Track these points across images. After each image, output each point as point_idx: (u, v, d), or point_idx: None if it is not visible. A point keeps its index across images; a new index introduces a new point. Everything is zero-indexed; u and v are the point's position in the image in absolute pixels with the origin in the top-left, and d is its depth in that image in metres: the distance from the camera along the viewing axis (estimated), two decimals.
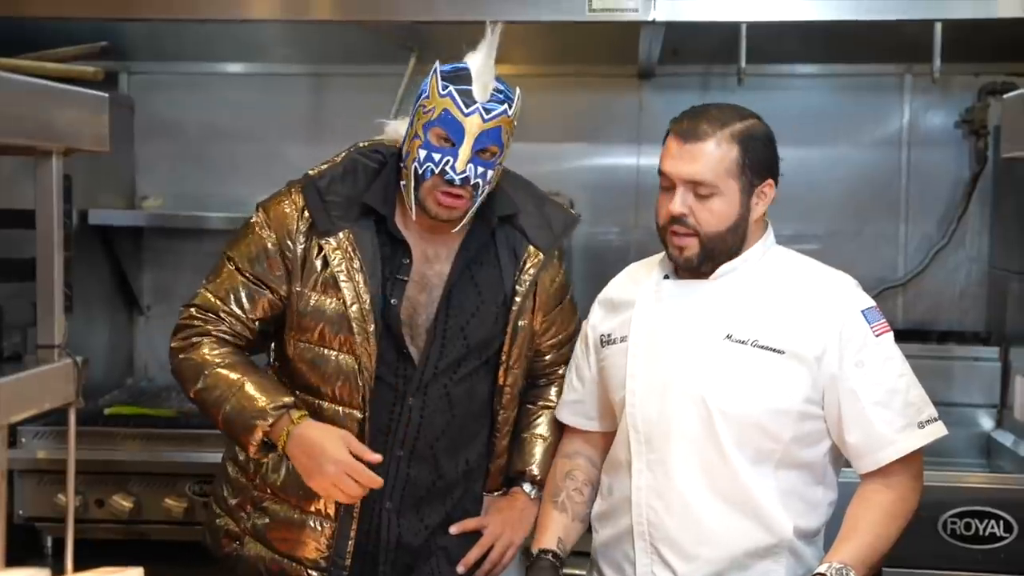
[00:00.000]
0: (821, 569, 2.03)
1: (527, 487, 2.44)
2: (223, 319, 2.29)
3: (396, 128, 2.33)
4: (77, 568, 1.69)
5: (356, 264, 2.23)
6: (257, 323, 2.31)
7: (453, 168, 2.16)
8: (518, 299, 2.33)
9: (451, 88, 2.17)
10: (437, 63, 2.22)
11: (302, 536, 2.31)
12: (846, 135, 3.75)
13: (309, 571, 2.31)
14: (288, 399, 2.23)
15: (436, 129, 2.17)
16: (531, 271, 2.33)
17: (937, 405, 2.19)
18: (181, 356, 2.30)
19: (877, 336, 2.13)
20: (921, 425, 2.12)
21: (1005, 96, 2.43)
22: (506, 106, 2.20)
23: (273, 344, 2.42)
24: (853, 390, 2.10)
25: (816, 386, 2.11)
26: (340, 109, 3.76)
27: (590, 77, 3.76)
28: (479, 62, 2.19)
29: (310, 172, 2.29)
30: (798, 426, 2.12)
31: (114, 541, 3.07)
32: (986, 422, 3.50)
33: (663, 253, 2.24)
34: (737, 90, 3.25)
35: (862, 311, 2.14)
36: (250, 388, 2.22)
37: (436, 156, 2.16)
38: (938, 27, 3.05)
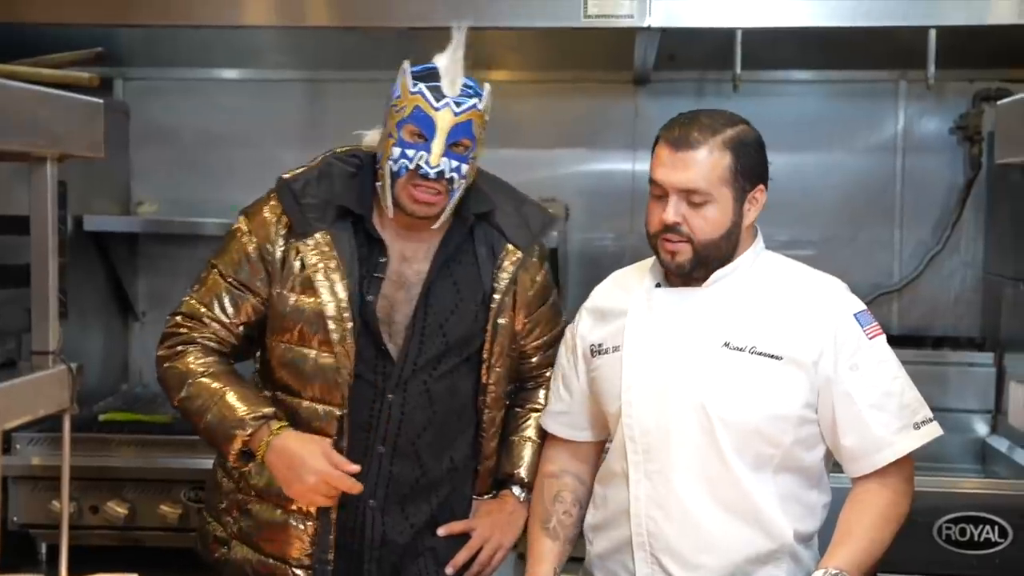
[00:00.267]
0: (817, 574, 2.02)
1: (516, 490, 2.46)
2: (208, 325, 2.32)
3: (373, 137, 2.35)
4: (72, 575, 1.69)
5: (333, 264, 2.25)
6: (242, 328, 2.34)
7: (427, 163, 2.19)
8: (497, 296, 2.35)
9: (421, 85, 2.21)
10: (406, 63, 2.25)
11: (286, 536, 2.32)
12: (841, 141, 3.75)
13: (294, 570, 2.32)
14: (268, 409, 2.26)
15: (409, 126, 2.20)
16: (509, 268, 2.36)
17: (932, 410, 2.19)
18: (166, 365, 2.33)
19: (870, 339, 2.13)
20: (917, 426, 2.13)
21: (999, 102, 2.44)
22: (476, 100, 2.24)
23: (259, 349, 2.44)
24: (848, 393, 2.10)
25: (813, 390, 2.12)
26: (336, 115, 3.75)
27: (585, 83, 3.76)
28: (447, 59, 2.24)
29: (284, 176, 2.32)
30: (797, 431, 2.13)
31: (109, 548, 3.06)
32: (981, 428, 3.51)
33: (651, 260, 2.23)
34: (732, 96, 3.26)
35: (854, 314, 2.15)
36: (231, 398, 2.25)
37: (410, 152, 2.20)
38: (932, 33, 3.05)
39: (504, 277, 2.35)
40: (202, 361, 2.30)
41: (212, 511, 2.45)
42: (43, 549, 3.10)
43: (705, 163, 2.09)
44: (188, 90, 3.88)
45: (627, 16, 2.93)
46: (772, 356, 2.10)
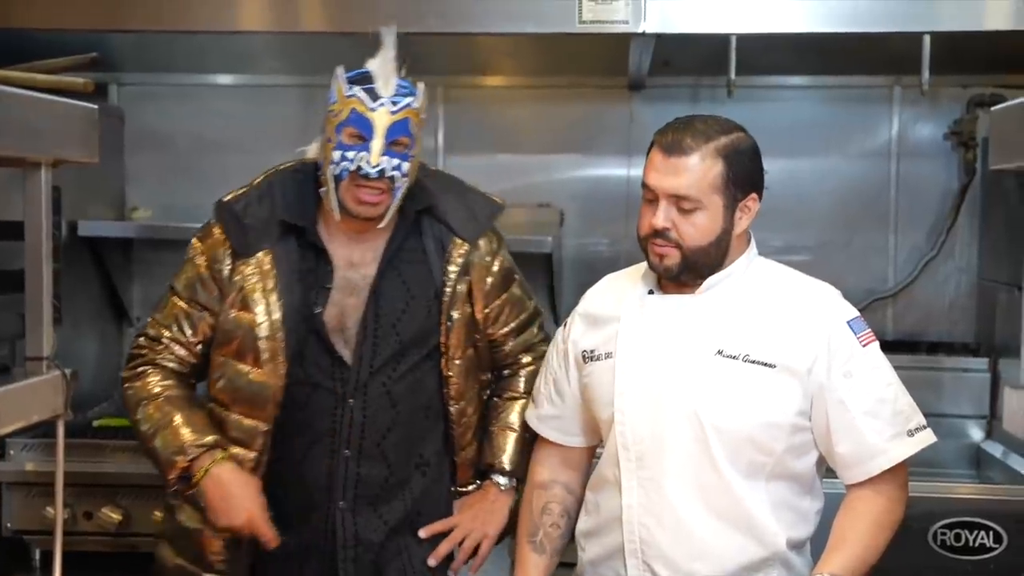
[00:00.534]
0: None
1: (497, 478, 2.48)
2: (168, 346, 2.39)
3: (315, 148, 2.39)
4: None
5: (271, 284, 2.31)
6: (200, 347, 2.40)
7: (368, 162, 2.23)
8: (447, 290, 2.38)
9: (356, 88, 2.26)
10: (339, 69, 2.30)
11: (201, 542, 2.39)
12: (835, 147, 3.76)
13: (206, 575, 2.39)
14: (211, 439, 2.32)
15: (347, 128, 2.25)
16: (458, 261, 2.39)
17: (927, 416, 2.19)
18: (126, 386, 2.41)
19: (864, 346, 2.13)
20: (911, 433, 2.13)
21: (993, 108, 2.44)
22: (411, 98, 2.28)
23: None
24: (842, 401, 2.10)
25: (807, 398, 2.11)
26: None
27: (580, 88, 3.77)
28: (379, 62, 2.28)
29: (224, 199, 2.39)
30: (790, 439, 2.13)
31: (103, 554, 3.06)
32: (975, 433, 3.52)
33: (644, 265, 2.23)
34: (727, 102, 3.26)
35: (848, 322, 2.15)
36: (178, 424, 2.33)
37: (350, 154, 2.24)
38: (927, 39, 3.06)
39: (453, 270, 2.38)
40: (160, 384, 2.38)
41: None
42: (37, 555, 3.10)
43: (696, 170, 2.09)
44: (183, 95, 3.88)
45: (622, 22, 2.94)
46: (765, 364, 2.10)
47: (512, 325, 2.50)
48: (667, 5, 2.95)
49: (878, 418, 2.11)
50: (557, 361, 2.36)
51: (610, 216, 3.75)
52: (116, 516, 3.06)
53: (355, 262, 2.36)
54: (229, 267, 2.34)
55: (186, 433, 2.32)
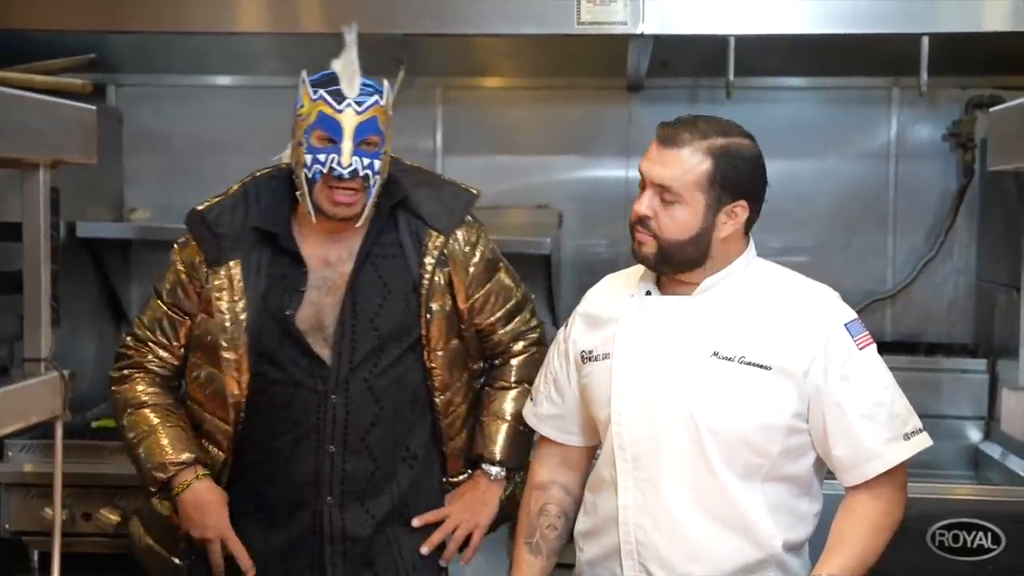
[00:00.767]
0: None
1: (488, 468, 2.50)
2: (152, 348, 2.47)
3: (288, 153, 2.42)
4: None
5: (238, 292, 2.37)
6: (182, 350, 2.47)
7: (339, 163, 2.26)
8: (424, 282, 2.40)
9: (321, 91, 2.28)
10: (303, 72, 2.32)
11: (171, 525, 2.47)
12: (834, 148, 3.76)
13: (173, 558, 2.48)
14: (189, 456, 2.40)
15: (316, 131, 2.27)
16: (434, 253, 2.41)
17: (925, 417, 2.19)
18: (114, 388, 2.49)
19: (861, 349, 2.13)
20: (907, 437, 2.12)
21: (992, 109, 2.45)
22: (377, 96, 2.30)
23: None
24: (839, 403, 2.10)
25: (803, 400, 2.11)
26: None
27: (579, 90, 3.77)
28: (342, 63, 2.30)
29: (198, 208, 2.43)
30: (786, 441, 2.12)
31: (101, 555, 3.05)
32: (974, 434, 3.51)
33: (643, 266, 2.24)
34: (725, 103, 3.26)
35: (845, 324, 2.14)
36: (162, 437, 2.41)
37: (321, 156, 2.27)
38: (925, 40, 3.06)
39: (429, 262, 2.40)
40: (147, 391, 2.46)
41: None
42: (36, 556, 3.10)
43: (683, 164, 2.09)
44: (181, 96, 3.88)
45: (620, 23, 2.94)
46: (761, 366, 2.10)
47: (499, 314, 2.51)
48: (665, 6, 2.96)
49: (874, 421, 2.10)
50: (558, 360, 2.36)
51: (609, 217, 3.74)
52: (114, 517, 3.06)
53: (332, 261, 2.39)
54: (206, 272, 2.40)
55: (168, 449, 2.40)
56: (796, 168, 3.70)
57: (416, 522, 2.46)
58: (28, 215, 1.75)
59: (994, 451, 3.37)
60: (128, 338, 2.52)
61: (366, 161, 2.27)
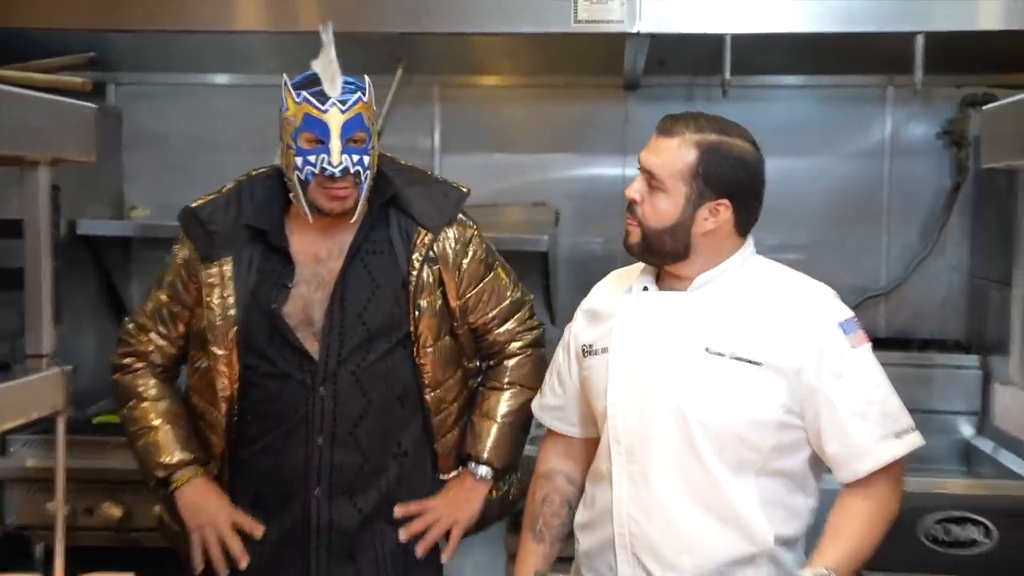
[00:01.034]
0: (804, 573, 2.03)
1: (474, 468, 2.52)
2: (152, 339, 2.53)
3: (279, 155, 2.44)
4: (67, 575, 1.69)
5: (228, 287, 2.40)
6: (181, 340, 2.53)
7: (330, 163, 2.28)
8: (412, 278, 2.41)
9: (304, 93, 2.30)
10: (284, 76, 2.35)
11: None
12: (829, 146, 3.77)
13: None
14: (186, 456, 2.48)
15: (304, 134, 2.30)
16: (422, 251, 2.43)
17: (918, 412, 2.20)
18: (117, 376, 2.56)
19: (854, 348, 2.13)
20: (898, 435, 2.13)
21: (985, 107, 2.44)
22: (360, 94, 2.33)
23: None
24: (831, 401, 2.11)
25: (795, 397, 2.12)
26: None
27: (576, 88, 3.77)
28: (322, 63, 2.32)
29: (191, 205, 2.48)
30: (777, 436, 2.13)
31: (104, 548, 3.06)
32: (966, 429, 3.53)
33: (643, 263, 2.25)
34: (721, 101, 3.26)
35: (839, 323, 2.15)
36: (162, 435, 2.49)
37: (312, 158, 2.29)
38: (920, 39, 3.06)
39: (417, 259, 2.42)
40: (147, 383, 2.54)
41: None
42: (39, 550, 3.10)
43: (671, 153, 2.11)
44: (180, 95, 3.88)
45: (617, 21, 2.94)
46: (751, 362, 2.11)
47: (493, 313, 2.53)
48: (662, 5, 2.96)
49: (866, 419, 2.11)
50: (563, 354, 2.39)
51: (605, 215, 3.75)
52: (117, 512, 3.09)
53: (322, 257, 2.42)
54: (199, 269, 2.43)
55: (167, 447, 2.48)
56: (791, 166, 3.70)
57: (398, 511, 2.47)
58: (29, 213, 1.76)
59: (986, 446, 3.38)
60: (130, 326, 2.56)
61: (355, 158, 2.30)
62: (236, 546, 2.44)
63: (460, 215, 2.50)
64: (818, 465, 2.21)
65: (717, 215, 2.13)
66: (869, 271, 3.76)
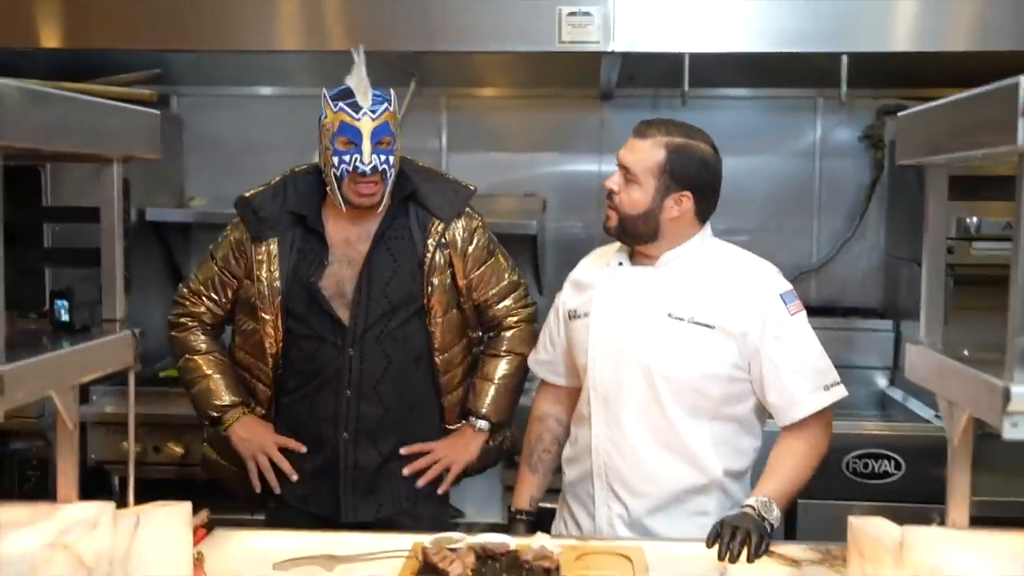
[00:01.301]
0: (749, 501, 2.04)
1: (474, 421, 2.51)
2: (203, 301, 2.53)
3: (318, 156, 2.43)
4: (138, 502, 1.69)
5: (275, 262, 2.39)
6: (229, 305, 2.52)
7: (362, 162, 2.28)
8: (427, 259, 2.41)
9: (340, 104, 2.30)
10: (324, 90, 2.35)
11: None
12: (769, 147, 3.75)
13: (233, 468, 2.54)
14: (235, 399, 2.49)
15: (340, 138, 2.30)
16: (435, 237, 2.42)
17: (842, 368, 2.21)
18: (173, 332, 2.57)
19: (792, 315, 2.14)
20: (827, 388, 2.14)
21: (900, 114, 2.43)
22: (387, 104, 2.32)
23: None
24: (772, 359, 2.11)
25: (742, 355, 2.12)
26: None
27: (560, 98, 3.75)
28: (355, 79, 2.32)
29: (244, 195, 2.47)
30: (727, 387, 2.13)
31: (169, 480, 3.06)
32: (881, 381, 3.54)
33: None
34: (681, 109, 3.25)
35: (780, 294, 2.15)
36: (214, 383, 2.50)
37: (346, 158, 2.29)
38: (844, 59, 3.05)
39: (432, 244, 2.42)
40: (199, 339, 2.53)
41: None
42: (116, 482, 3.11)
43: (643, 152, 2.10)
44: (232, 105, 3.85)
45: (594, 42, 2.92)
46: (706, 325, 2.11)
47: (493, 292, 2.51)
48: (632, 29, 2.93)
49: (801, 375, 2.12)
50: (553, 317, 2.39)
51: (584, 204, 3.74)
52: (179, 450, 3.09)
53: (352, 241, 2.41)
54: (250, 247, 2.42)
55: (218, 392, 2.48)
56: (738, 163, 3.65)
57: (404, 451, 2.47)
58: (104, 202, 1.74)
59: (897, 395, 3.39)
60: (184, 289, 2.56)
61: (382, 158, 2.29)
62: (285, 464, 2.45)
63: (468, 209, 2.49)
64: (761, 412, 2.21)
65: (681, 204, 2.13)
66: (803, 251, 3.75)
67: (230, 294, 2.50)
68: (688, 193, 2.12)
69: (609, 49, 2.93)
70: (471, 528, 2.62)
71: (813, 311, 2.26)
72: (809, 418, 2.12)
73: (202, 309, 2.53)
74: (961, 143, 1.41)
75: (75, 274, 2.83)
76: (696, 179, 2.12)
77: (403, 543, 2.00)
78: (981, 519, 1.49)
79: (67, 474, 1.52)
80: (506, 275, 2.53)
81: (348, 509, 2.42)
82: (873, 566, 1.57)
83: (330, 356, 2.40)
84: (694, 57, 3.10)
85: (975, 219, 2.98)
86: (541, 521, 2.34)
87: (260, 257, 2.40)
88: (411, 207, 2.44)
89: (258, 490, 2.48)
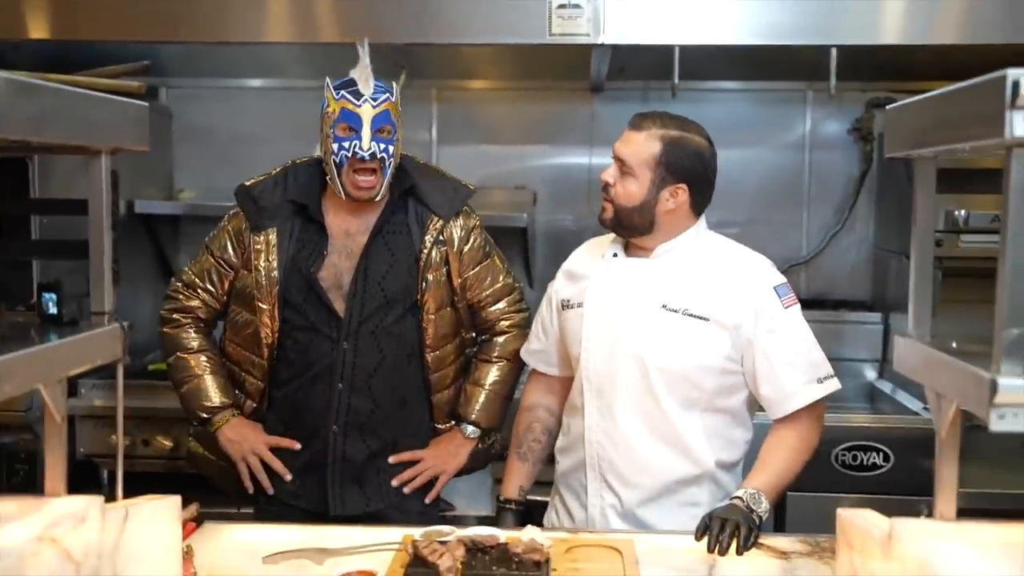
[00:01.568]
0: (739, 493, 2.04)
1: (464, 427, 2.50)
2: (198, 294, 2.49)
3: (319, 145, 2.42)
4: (126, 496, 1.68)
5: (273, 252, 2.37)
6: (225, 297, 2.49)
7: (361, 148, 2.27)
8: (423, 255, 2.39)
9: (343, 92, 2.30)
10: (327, 79, 2.34)
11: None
12: (759, 140, 3.75)
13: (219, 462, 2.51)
14: (225, 401, 2.46)
15: (341, 124, 2.29)
16: (433, 233, 2.41)
17: (832, 359, 2.21)
18: (165, 328, 2.53)
19: (786, 308, 2.14)
20: (820, 381, 2.14)
21: (888, 107, 2.43)
22: (388, 94, 2.32)
23: None
24: (766, 352, 2.11)
25: (735, 347, 2.12)
26: None
27: (550, 91, 3.74)
28: (359, 68, 2.32)
29: (245, 184, 2.44)
30: (719, 379, 2.13)
31: (158, 473, 3.05)
32: (870, 373, 3.55)
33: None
34: (671, 102, 3.24)
35: (774, 287, 2.15)
36: (204, 383, 2.47)
37: (346, 144, 2.28)
38: (834, 51, 3.05)
39: (429, 240, 2.41)
40: (191, 336, 2.50)
41: None
42: (104, 475, 3.10)
43: (639, 144, 2.10)
44: (221, 97, 3.83)
45: (584, 35, 2.91)
46: (700, 317, 2.11)
47: (487, 293, 2.50)
48: (622, 21, 2.92)
49: (794, 367, 2.12)
50: (546, 307, 2.38)
51: (574, 197, 3.74)
52: (168, 443, 3.07)
53: (351, 232, 2.40)
54: (248, 237, 2.40)
55: (209, 393, 2.46)
56: (729, 156, 3.58)
57: (392, 459, 2.46)
58: (92, 193, 1.73)
59: (886, 387, 3.40)
60: (178, 283, 2.52)
61: (382, 146, 2.28)
62: (278, 464, 2.44)
63: (466, 208, 2.48)
64: (753, 404, 2.21)
65: (676, 197, 2.13)
66: (792, 243, 3.76)
67: (226, 285, 2.47)
68: (683, 186, 2.12)
69: (599, 41, 2.93)
70: (461, 521, 2.62)
71: (802, 304, 2.26)
72: (801, 411, 2.13)
73: (196, 303, 2.49)
74: (949, 136, 1.41)
75: (63, 266, 2.81)
76: (691, 172, 2.12)
77: (393, 536, 2.01)
78: (969, 511, 1.49)
79: (55, 467, 1.51)
80: (501, 277, 2.52)
81: (336, 502, 2.42)
82: (862, 558, 1.58)
83: (324, 349, 2.39)
84: (684, 50, 3.09)
85: (963, 212, 2.98)
86: (530, 512, 2.34)
87: (259, 247, 2.38)
88: (410, 203, 2.42)
89: (251, 491, 2.47)
